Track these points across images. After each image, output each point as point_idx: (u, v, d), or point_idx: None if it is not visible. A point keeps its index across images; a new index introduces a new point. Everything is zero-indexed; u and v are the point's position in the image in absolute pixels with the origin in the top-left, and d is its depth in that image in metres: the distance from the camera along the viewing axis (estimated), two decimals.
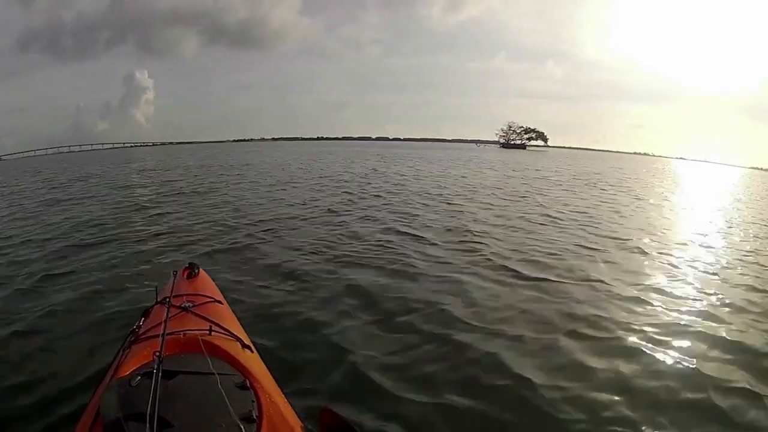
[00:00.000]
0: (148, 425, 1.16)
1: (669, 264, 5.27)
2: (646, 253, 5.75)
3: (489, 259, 5.15)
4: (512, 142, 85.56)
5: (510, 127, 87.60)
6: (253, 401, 1.42)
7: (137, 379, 1.42)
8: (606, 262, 5.26)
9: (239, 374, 1.56)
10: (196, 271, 2.64)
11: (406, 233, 6.44)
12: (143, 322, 1.99)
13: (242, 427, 1.28)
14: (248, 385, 1.50)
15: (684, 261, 5.42)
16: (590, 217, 8.55)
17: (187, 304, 2.04)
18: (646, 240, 6.61)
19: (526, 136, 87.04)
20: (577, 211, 9.13)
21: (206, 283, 2.59)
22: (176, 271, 2.65)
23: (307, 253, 5.25)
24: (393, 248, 5.56)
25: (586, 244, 6.08)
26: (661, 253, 5.77)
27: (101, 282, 4.18)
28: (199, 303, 2.14)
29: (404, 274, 4.51)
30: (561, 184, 15.58)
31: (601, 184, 16.44)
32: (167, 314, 1.85)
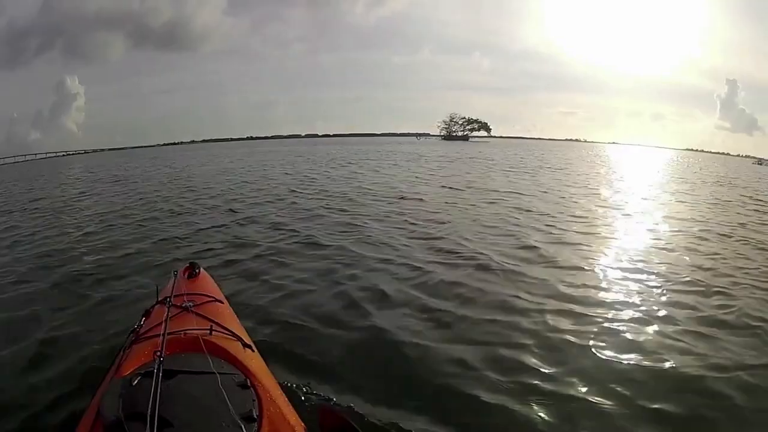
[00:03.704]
0: (148, 425, 1.16)
1: None
2: None
3: None
4: (454, 134, 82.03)
5: (452, 118, 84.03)
6: (253, 400, 1.42)
7: (138, 379, 1.42)
8: None
9: (240, 373, 1.56)
10: (197, 270, 2.63)
11: None
12: (144, 321, 1.99)
13: (243, 426, 1.28)
14: (249, 384, 1.49)
15: None
16: None
17: (187, 304, 2.04)
18: None
19: (468, 126, 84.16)
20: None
21: (207, 283, 2.59)
22: (177, 271, 2.64)
23: None
24: None
25: None
26: None
27: None
28: (200, 302, 2.13)
29: None
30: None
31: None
32: (167, 314, 1.85)
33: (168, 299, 2.02)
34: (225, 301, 2.42)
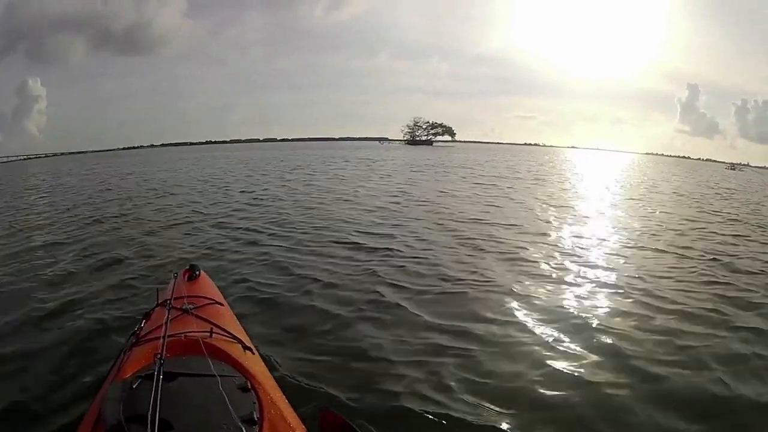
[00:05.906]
0: (149, 428, 1.16)
1: None
2: None
3: None
4: (418, 139, 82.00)
5: (415, 122, 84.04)
6: (254, 403, 1.42)
7: (138, 382, 1.42)
8: None
9: (240, 376, 1.55)
10: (197, 272, 2.63)
11: None
12: (144, 324, 1.99)
13: (244, 428, 1.28)
14: (249, 386, 1.49)
15: None
16: None
17: (187, 306, 2.03)
18: None
19: (432, 131, 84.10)
20: None
21: (207, 285, 2.59)
22: (177, 273, 2.64)
23: None
24: None
25: None
26: None
27: None
28: (200, 305, 2.13)
29: None
30: None
31: None
32: (168, 316, 1.84)
33: (168, 301, 2.02)
34: (225, 303, 2.42)
